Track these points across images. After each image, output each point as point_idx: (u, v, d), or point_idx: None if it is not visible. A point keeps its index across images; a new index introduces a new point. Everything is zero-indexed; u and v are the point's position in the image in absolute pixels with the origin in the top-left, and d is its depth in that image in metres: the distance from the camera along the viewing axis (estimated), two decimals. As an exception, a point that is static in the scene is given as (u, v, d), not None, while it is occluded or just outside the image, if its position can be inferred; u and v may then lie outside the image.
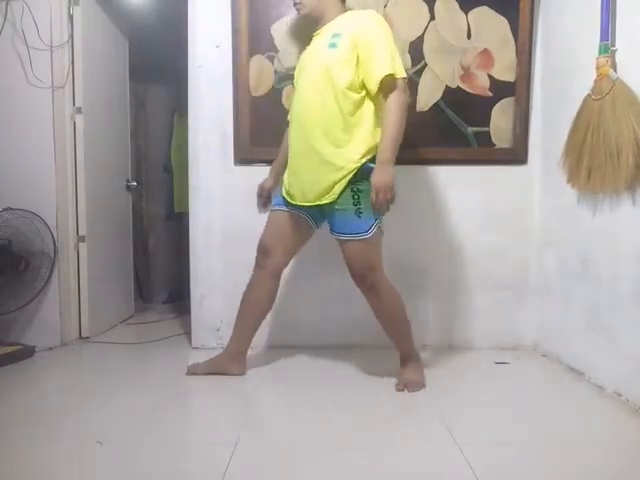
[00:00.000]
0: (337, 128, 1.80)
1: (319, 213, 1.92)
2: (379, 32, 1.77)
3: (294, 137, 1.91)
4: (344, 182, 1.79)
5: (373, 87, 1.76)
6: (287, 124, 2.04)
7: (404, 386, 1.87)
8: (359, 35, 1.76)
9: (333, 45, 1.79)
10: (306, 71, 1.89)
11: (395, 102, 1.74)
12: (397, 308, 1.92)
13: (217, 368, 2.03)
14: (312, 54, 1.89)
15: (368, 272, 1.84)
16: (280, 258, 1.98)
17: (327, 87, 1.80)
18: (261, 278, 1.99)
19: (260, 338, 2.43)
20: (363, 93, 1.80)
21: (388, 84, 1.74)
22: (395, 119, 1.73)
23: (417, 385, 1.88)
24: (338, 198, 1.80)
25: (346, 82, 1.77)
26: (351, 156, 1.79)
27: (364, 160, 1.80)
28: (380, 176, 1.73)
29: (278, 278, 2.01)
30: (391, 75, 1.73)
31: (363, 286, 1.87)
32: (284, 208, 1.95)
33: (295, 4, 1.92)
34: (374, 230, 1.81)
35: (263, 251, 1.98)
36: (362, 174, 1.79)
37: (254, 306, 2.02)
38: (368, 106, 1.81)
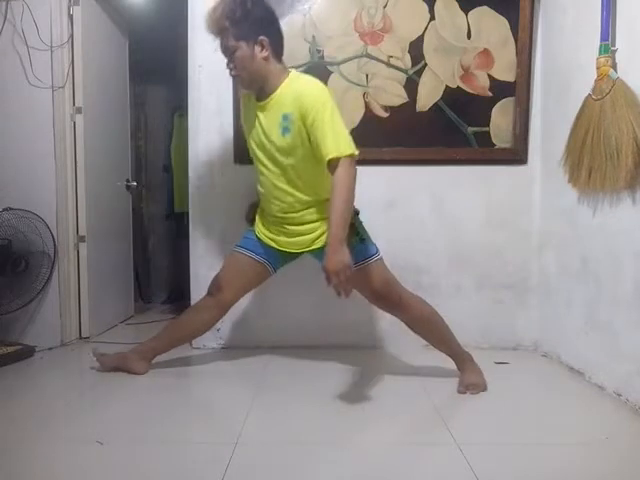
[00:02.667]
0: (315, 195, 1.81)
1: (289, 258, 1.95)
2: (321, 111, 1.65)
3: (273, 205, 1.86)
4: None
5: (324, 163, 1.71)
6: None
7: (466, 388, 1.86)
8: (304, 118, 1.67)
9: (286, 130, 1.72)
10: (264, 150, 1.81)
11: (341, 180, 1.66)
12: (429, 315, 1.91)
13: (123, 363, 2.03)
14: (265, 131, 1.78)
15: (391, 289, 1.84)
16: (232, 296, 2.00)
17: (293, 167, 1.77)
18: (207, 307, 2.00)
19: (261, 338, 2.43)
20: None
21: (333, 164, 1.67)
22: (345, 198, 1.66)
23: (478, 387, 1.87)
24: None
25: (309, 160, 1.75)
26: None
27: None
28: (336, 256, 1.59)
29: (224, 312, 2.03)
30: (335, 157, 1.66)
31: (390, 304, 1.87)
32: (249, 253, 1.95)
33: (230, 71, 1.76)
34: (378, 250, 1.86)
35: (217, 286, 1.98)
36: None
37: (189, 327, 2.05)
38: None
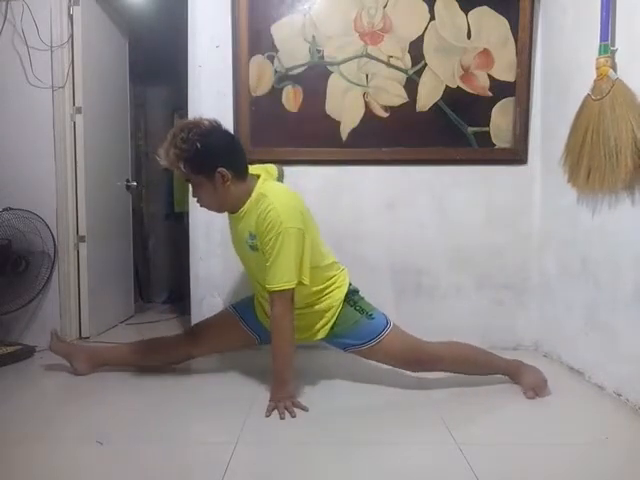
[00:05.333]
0: (302, 295, 1.76)
1: None
2: (274, 239, 1.63)
3: (256, 289, 1.91)
4: (336, 314, 1.81)
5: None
6: None
7: (534, 393, 1.79)
8: (261, 241, 1.67)
9: (253, 247, 1.73)
10: (241, 251, 1.83)
11: (277, 320, 1.68)
12: (460, 354, 1.86)
13: (69, 355, 2.01)
14: (238, 239, 1.81)
15: (415, 352, 1.81)
16: (204, 351, 2.02)
17: (264, 279, 1.72)
18: (176, 349, 2.00)
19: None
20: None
21: (272, 295, 1.67)
22: (282, 343, 1.69)
23: (541, 388, 1.81)
24: (337, 321, 1.81)
25: None
26: (332, 301, 1.82)
27: (345, 292, 1.83)
28: (280, 393, 1.69)
29: (190, 359, 2.04)
30: (272, 290, 1.67)
31: (420, 366, 1.85)
32: (241, 323, 1.96)
33: (197, 202, 1.77)
34: (389, 321, 1.83)
35: (196, 334, 1.99)
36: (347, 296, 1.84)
37: (152, 358, 2.02)
38: (314, 261, 1.74)
